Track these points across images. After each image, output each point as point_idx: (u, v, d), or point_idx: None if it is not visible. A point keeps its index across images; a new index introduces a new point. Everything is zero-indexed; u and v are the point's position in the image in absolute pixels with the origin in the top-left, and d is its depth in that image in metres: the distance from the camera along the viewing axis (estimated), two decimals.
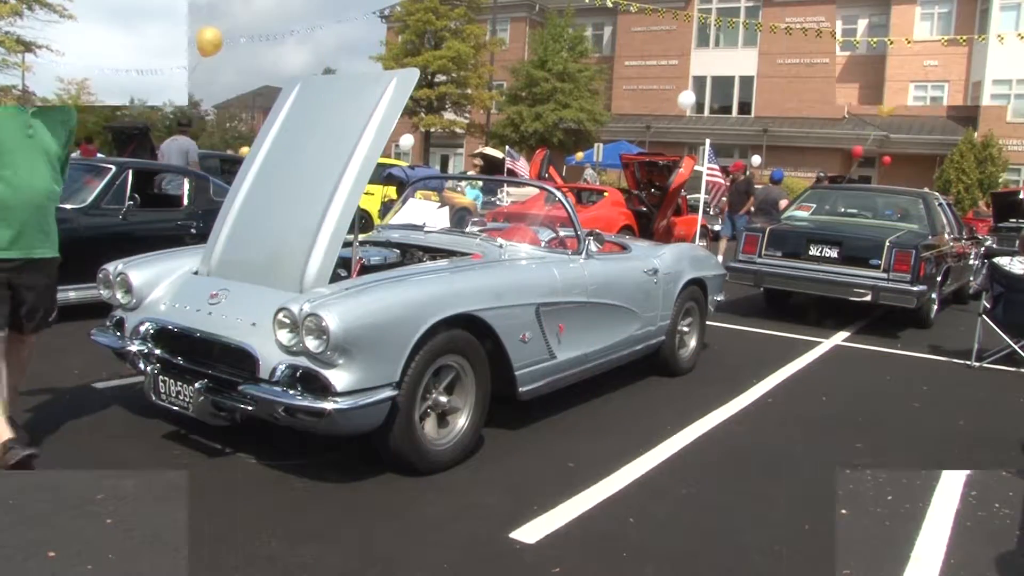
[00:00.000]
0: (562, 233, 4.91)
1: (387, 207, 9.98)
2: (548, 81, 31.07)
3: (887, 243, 7.54)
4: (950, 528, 3.33)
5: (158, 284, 3.90)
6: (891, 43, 26.26)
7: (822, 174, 13.04)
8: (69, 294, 6.01)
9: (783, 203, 11.03)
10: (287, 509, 3.11)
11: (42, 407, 4.13)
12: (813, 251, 7.86)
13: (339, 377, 3.13)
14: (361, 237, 4.25)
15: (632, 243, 5.78)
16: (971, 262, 9.62)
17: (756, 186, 13.06)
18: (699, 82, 34.23)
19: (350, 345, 3.11)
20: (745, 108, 34.25)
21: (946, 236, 8.64)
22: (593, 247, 4.62)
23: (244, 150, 25.14)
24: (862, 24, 32.85)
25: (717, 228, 13.20)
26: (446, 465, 3.56)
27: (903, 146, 31.25)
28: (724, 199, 12.39)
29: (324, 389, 3.13)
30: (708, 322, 6.08)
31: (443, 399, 3.56)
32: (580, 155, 28.62)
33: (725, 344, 6.70)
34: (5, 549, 2.69)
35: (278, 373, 3.22)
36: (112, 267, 3.98)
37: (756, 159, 28.56)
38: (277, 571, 2.65)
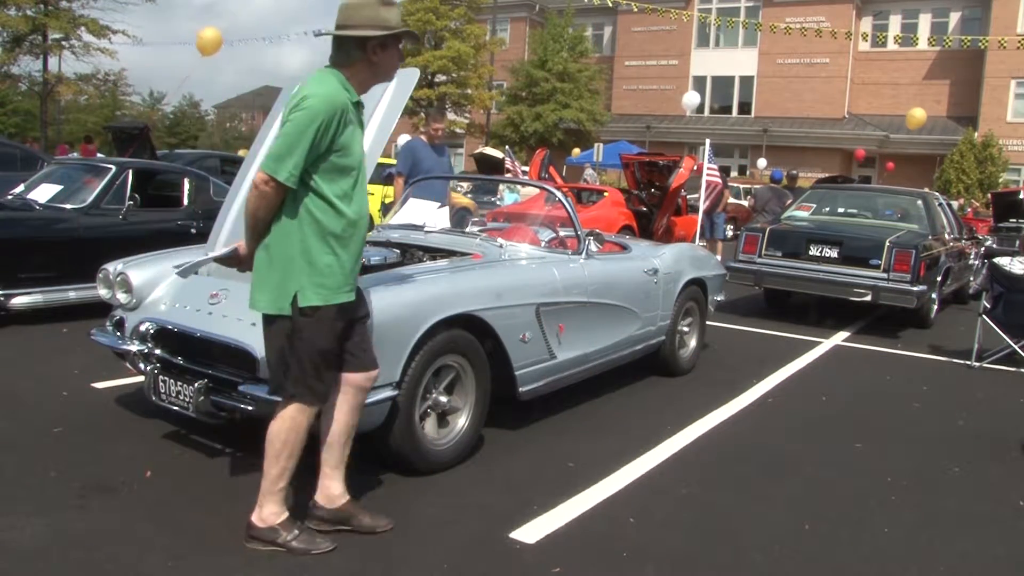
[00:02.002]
0: (562, 233, 4.91)
1: (387, 207, 9.98)
2: (548, 81, 31.13)
3: (887, 243, 7.54)
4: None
5: (158, 284, 3.90)
6: (915, 43, 25.95)
7: (794, 172, 13.08)
8: (69, 294, 6.03)
9: (789, 202, 11.01)
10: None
11: (42, 407, 4.14)
12: (813, 251, 7.86)
13: None
14: None
15: (632, 243, 5.78)
16: (971, 262, 9.62)
17: (755, 187, 13.03)
18: (699, 82, 34.27)
19: None
20: (745, 108, 34.30)
21: (946, 236, 8.65)
22: (593, 247, 4.62)
23: (243, 152, 25.16)
24: (954, 18, 31.67)
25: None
26: (446, 465, 3.56)
27: (903, 146, 31.32)
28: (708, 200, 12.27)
29: None
30: (708, 322, 6.08)
31: (443, 399, 3.56)
32: (577, 151, 28.68)
33: (725, 344, 6.70)
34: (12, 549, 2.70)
35: None
36: (112, 267, 3.98)
37: (762, 162, 28.57)
38: (277, 571, 2.65)
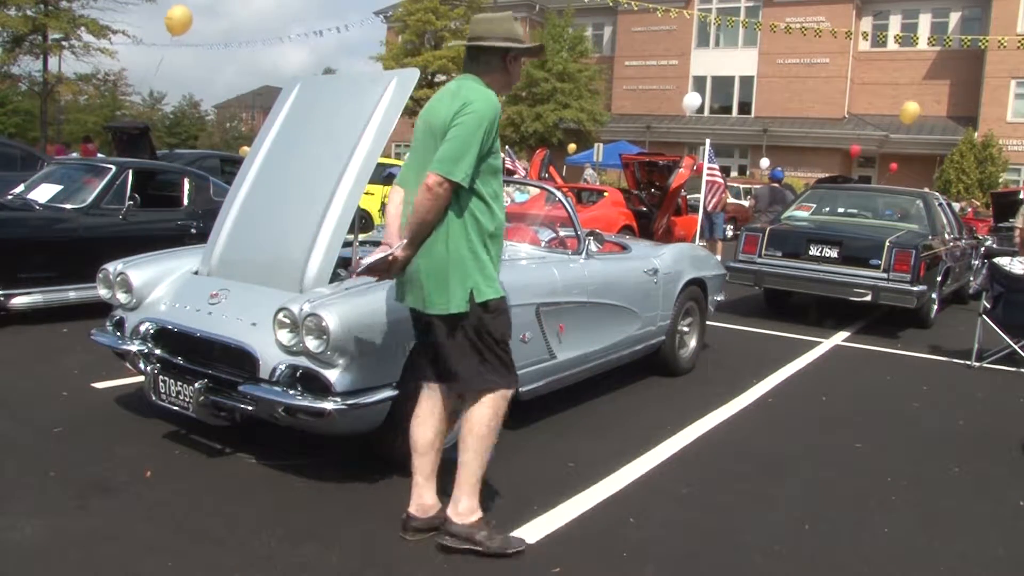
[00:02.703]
0: (562, 233, 4.91)
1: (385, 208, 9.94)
2: (548, 81, 31.10)
3: (887, 243, 7.54)
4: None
5: (158, 284, 3.90)
6: (915, 42, 26.07)
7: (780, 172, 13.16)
8: (69, 294, 6.03)
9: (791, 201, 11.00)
10: (287, 509, 3.11)
11: (42, 407, 4.14)
12: (813, 251, 7.86)
13: (339, 377, 3.13)
14: (361, 237, 4.25)
15: (632, 243, 5.78)
16: (971, 262, 9.62)
17: (755, 187, 13.01)
18: (699, 82, 34.26)
19: (350, 345, 3.11)
20: (745, 108, 34.29)
21: (946, 236, 8.65)
22: (593, 247, 4.62)
23: (244, 150, 25.13)
24: (954, 18, 31.60)
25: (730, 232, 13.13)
26: (446, 465, 3.55)
27: (903, 146, 31.31)
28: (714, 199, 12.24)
29: (324, 389, 3.13)
30: (708, 322, 6.08)
31: None
32: (573, 147, 28.69)
33: (725, 344, 6.69)
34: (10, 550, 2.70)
35: (278, 373, 3.22)
36: (112, 267, 3.98)
37: (764, 162, 28.54)
38: (277, 571, 2.65)
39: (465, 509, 2.79)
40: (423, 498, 2.91)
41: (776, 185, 12.21)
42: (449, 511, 2.80)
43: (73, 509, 3.00)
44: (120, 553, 2.70)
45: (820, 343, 7.06)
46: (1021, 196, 13.21)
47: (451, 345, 2.77)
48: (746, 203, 16.04)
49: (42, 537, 2.78)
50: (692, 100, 25.29)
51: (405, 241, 2.72)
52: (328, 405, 3.09)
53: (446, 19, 29.88)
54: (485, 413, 2.76)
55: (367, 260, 2.78)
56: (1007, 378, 6.23)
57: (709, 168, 12.01)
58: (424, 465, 2.89)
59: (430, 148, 2.73)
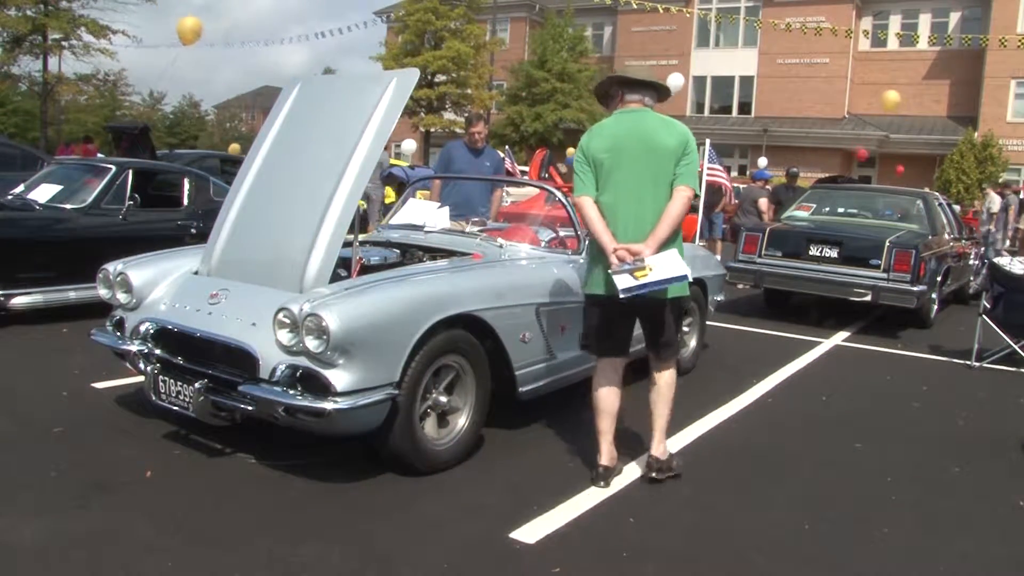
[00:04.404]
0: (562, 233, 4.90)
1: (387, 208, 9.97)
2: (548, 81, 31.11)
3: (887, 243, 7.54)
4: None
5: (158, 284, 3.91)
6: (915, 41, 26.15)
7: (795, 170, 13.14)
8: (69, 294, 6.03)
9: (762, 202, 11.06)
10: (287, 509, 3.11)
11: (42, 407, 4.14)
12: (813, 251, 7.86)
13: (339, 377, 3.13)
14: (361, 237, 4.25)
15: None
16: (971, 262, 9.61)
17: (740, 186, 13.05)
18: (699, 82, 34.26)
19: (350, 345, 3.11)
20: (745, 108, 34.26)
21: (946, 236, 8.64)
22: None
23: (233, 147, 25.07)
24: (954, 18, 31.58)
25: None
26: (446, 465, 3.56)
27: (903, 146, 31.28)
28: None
29: (324, 389, 3.13)
30: (708, 322, 6.07)
31: (443, 399, 3.57)
32: (572, 151, 28.74)
33: (725, 344, 6.69)
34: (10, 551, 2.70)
35: (278, 373, 3.22)
36: (112, 267, 3.98)
37: (762, 161, 28.48)
38: (277, 571, 2.65)
39: (666, 447, 3.67)
40: (613, 450, 3.61)
41: (754, 184, 12.32)
42: (656, 453, 3.61)
43: (73, 509, 3.00)
44: (120, 553, 2.70)
45: (820, 343, 7.06)
46: (1022, 196, 13.22)
47: (669, 321, 3.59)
48: None
49: (42, 537, 2.78)
50: (675, 80, 25.12)
51: (659, 239, 3.42)
52: (328, 405, 3.09)
53: (446, 19, 29.81)
54: (673, 374, 3.65)
55: (626, 266, 3.36)
56: (1007, 378, 6.23)
57: (710, 168, 12.01)
58: (611, 424, 3.61)
59: (657, 165, 3.46)
